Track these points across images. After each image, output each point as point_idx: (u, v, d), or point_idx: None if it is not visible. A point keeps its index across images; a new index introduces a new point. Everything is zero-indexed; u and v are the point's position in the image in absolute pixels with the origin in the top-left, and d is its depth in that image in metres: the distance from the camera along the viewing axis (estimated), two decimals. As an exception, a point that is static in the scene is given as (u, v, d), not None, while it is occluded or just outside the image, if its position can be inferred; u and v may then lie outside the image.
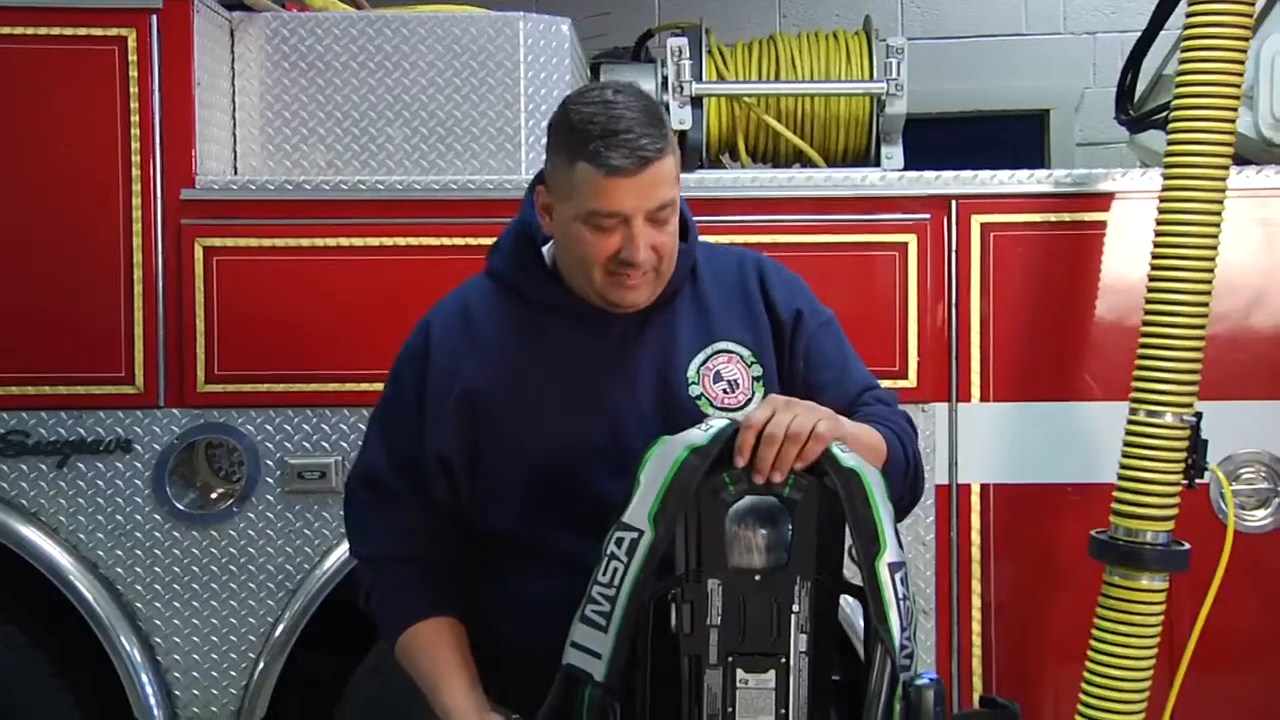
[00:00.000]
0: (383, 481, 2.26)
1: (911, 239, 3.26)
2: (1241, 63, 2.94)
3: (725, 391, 2.20)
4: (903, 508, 2.28)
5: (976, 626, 3.30)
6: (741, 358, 2.22)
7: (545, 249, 2.25)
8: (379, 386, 3.19)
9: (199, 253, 3.26)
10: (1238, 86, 2.94)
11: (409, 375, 2.28)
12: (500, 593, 2.23)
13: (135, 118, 3.24)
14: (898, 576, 1.94)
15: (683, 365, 2.21)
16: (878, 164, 3.88)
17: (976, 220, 3.27)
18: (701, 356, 2.22)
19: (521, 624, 2.19)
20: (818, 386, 2.23)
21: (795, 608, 1.93)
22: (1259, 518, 3.25)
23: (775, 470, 1.94)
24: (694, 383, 2.20)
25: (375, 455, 2.29)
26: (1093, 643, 3.00)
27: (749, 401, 2.19)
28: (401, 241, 3.28)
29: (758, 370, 2.22)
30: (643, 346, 2.21)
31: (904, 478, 2.22)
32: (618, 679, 1.93)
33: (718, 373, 2.21)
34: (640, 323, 2.21)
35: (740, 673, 1.94)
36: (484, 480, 2.22)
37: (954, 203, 3.27)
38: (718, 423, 1.99)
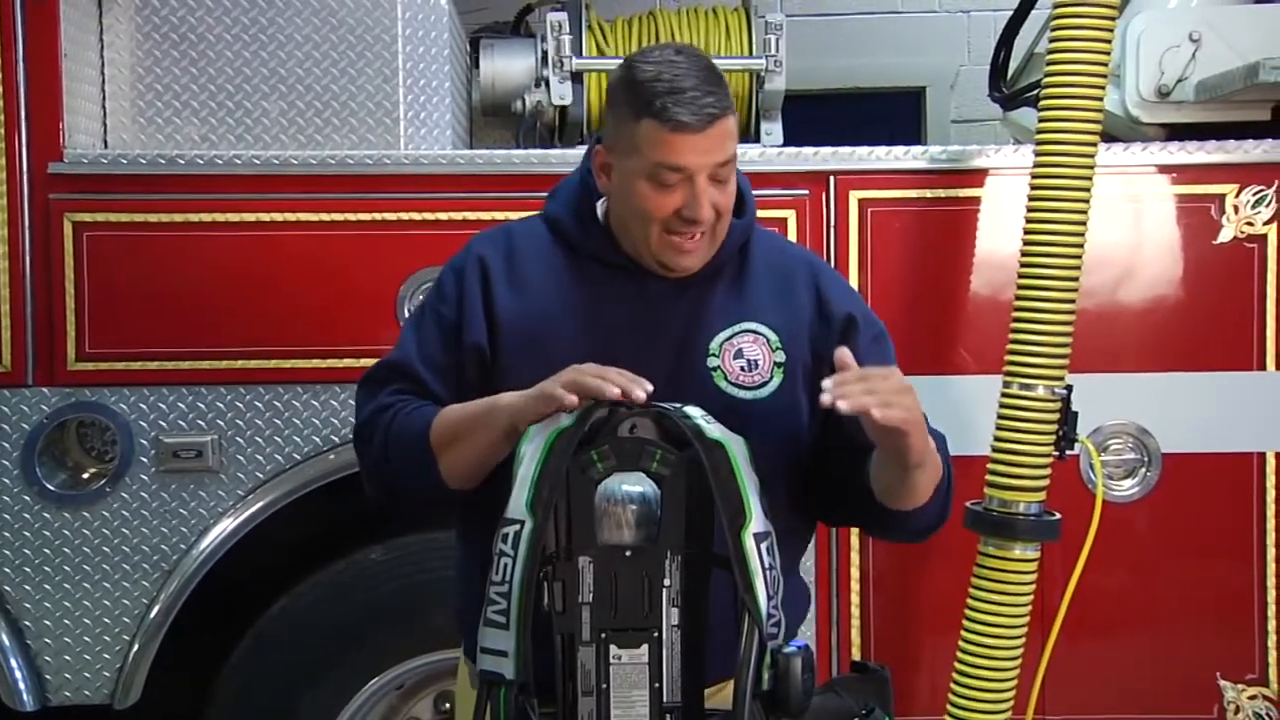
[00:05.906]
0: (408, 369, 2.24)
1: (791, 214, 3.28)
2: (1109, 42, 2.99)
3: (743, 370, 2.20)
4: (925, 531, 2.26)
5: (855, 598, 3.34)
6: (767, 340, 2.22)
7: (599, 204, 2.27)
8: (255, 364, 3.23)
9: (68, 228, 3.20)
10: (1105, 65, 2.99)
11: (450, 283, 2.27)
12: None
13: (-2, 89, 3.17)
14: (763, 546, 1.93)
15: (708, 337, 2.21)
16: (757, 140, 3.89)
17: (854, 196, 3.30)
18: (728, 332, 2.21)
19: None
20: None
21: (666, 582, 1.93)
22: (1126, 487, 3.32)
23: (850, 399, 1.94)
24: (714, 354, 2.20)
25: (407, 350, 2.27)
26: (968, 611, 3.05)
27: (765, 384, 2.20)
28: (278, 217, 3.23)
29: (781, 356, 2.21)
30: (674, 312, 2.21)
31: (939, 509, 2.22)
32: (529, 673, 1.92)
33: (740, 350, 2.21)
34: (678, 289, 2.22)
35: (614, 649, 1.93)
36: None
37: (832, 178, 3.30)
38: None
